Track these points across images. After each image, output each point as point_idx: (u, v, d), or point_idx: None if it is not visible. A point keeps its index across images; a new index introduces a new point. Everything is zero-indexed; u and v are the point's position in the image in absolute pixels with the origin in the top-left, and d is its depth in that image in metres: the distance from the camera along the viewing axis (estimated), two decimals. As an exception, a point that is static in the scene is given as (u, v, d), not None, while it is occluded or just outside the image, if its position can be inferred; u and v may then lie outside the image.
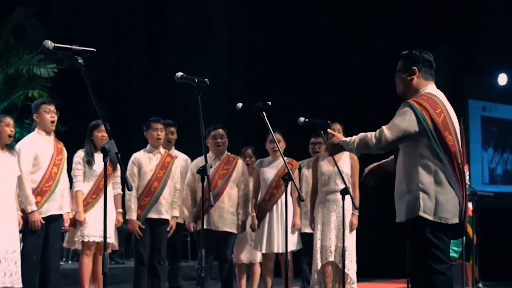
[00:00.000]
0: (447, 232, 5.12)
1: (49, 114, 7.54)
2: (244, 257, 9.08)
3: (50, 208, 7.45)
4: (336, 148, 5.48)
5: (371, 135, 5.12)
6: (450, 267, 5.14)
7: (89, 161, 7.94)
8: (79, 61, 4.42)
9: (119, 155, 4.71)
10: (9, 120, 7.29)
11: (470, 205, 11.49)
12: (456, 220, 5.09)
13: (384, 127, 5.09)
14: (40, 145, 7.49)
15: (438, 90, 5.35)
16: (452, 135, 5.13)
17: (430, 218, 5.02)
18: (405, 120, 5.07)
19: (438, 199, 5.04)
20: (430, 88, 5.33)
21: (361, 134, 5.20)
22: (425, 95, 5.24)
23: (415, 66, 5.33)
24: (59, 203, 7.52)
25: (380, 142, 5.08)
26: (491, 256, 12.49)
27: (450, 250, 11.56)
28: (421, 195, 5.05)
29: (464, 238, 11.15)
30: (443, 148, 5.07)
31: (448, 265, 5.10)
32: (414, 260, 5.17)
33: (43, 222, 7.33)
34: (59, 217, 7.55)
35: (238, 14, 15.37)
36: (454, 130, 5.18)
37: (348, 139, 5.28)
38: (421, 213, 5.03)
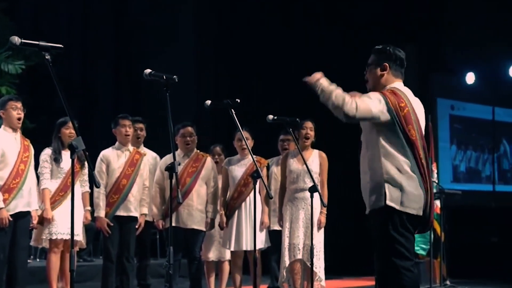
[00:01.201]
0: (411, 228, 5.13)
1: (16, 111, 7.48)
2: (213, 255, 9.08)
3: (18, 205, 7.39)
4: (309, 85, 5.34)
5: (348, 100, 5.00)
6: (416, 264, 5.17)
7: (56, 159, 7.88)
8: (47, 57, 4.39)
9: (87, 153, 4.68)
10: None
11: (438, 202, 11.59)
12: (420, 212, 5.12)
13: (358, 99, 5.04)
14: (6, 142, 7.43)
15: (405, 87, 5.38)
16: (415, 130, 5.15)
17: (397, 207, 5.04)
18: (376, 105, 5.06)
19: (403, 188, 5.06)
20: (397, 84, 5.36)
21: (339, 92, 5.07)
22: (390, 89, 5.27)
23: (386, 62, 5.37)
24: (26, 200, 7.47)
25: (349, 112, 4.99)
26: (458, 254, 12.59)
27: (418, 248, 11.72)
28: (386, 184, 5.07)
29: (432, 235, 11.25)
30: (406, 141, 5.10)
31: (413, 262, 5.12)
32: (379, 257, 5.18)
33: (11, 219, 7.27)
34: (27, 214, 7.49)
35: (206, 11, 15.35)
36: (418, 126, 5.20)
37: (326, 84, 5.15)
38: (388, 202, 5.04)
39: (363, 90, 5.43)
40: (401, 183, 5.06)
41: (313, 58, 13.68)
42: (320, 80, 5.21)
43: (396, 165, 5.09)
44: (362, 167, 5.32)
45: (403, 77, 5.45)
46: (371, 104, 5.06)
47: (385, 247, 5.11)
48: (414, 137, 5.12)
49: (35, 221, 7.61)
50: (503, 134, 16.93)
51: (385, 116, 5.07)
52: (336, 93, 5.08)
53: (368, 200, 5.23)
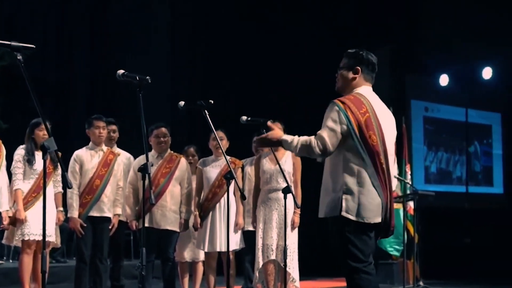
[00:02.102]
0: (368, 232, 5.18)
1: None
2: (187, 256, 9.07)
3: (-12, 205, 7.36)
4: (270, 143, 5.45)
5: (315, 143, 5.06)
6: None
7: (29, 160, 7.83)
8: (18, 57, 4.36)
9: (60, 153, 4.66)
10: None
11: (411, 204, 11.65)
12: (378, 219, 5.14)
13: (324, 135, 5.06)
14: (-23, 143, 7.40)
15: (373, 93, 5.40)
16: (376, 136, 5.16)
17: (353, 218, 5.08)
18: (337, 123, 5.09)
19: (360, 200, 5.09)
20: (363, 89, 5.38)
21: (304, 139, 5.14)
22: (353, 95, 5.29)
23: (359, 66, 5.38)
24: (-3, 201, 7.44)
25: (325, 152, 5.06)
26: (432, 255, 12.65)
27: (392, 249, 11.77)
28: (344, 196, 5.09)
29: (406, 236, 11.30)
30: (366, 148, 5.11)
31: (367, 263, 5.14)
32: (338, 259, 5.24)
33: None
34: (-3, 215, 7.47)
35: (181, 13, 15.35)
36: (380, 131, 5.20)
37: (289, 139, 5.21)
38: (343, 213, 5.08)
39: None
40: (359, 195, 5.10)
41: (287, 60, 13.73)
42: (283, 137, 5.26)
43: (355, 176, 5.12)
44: (324, 174, 5.36)
45: (373, 82, 5.47)
46: (335, 128, 5.10)
47: (340, 249, 5.17)
48: (375, 142, 5.13)
49: (5, 221, 7.57)
50: (475, 135, 17.05)
51: (344, 127, 5.10)
52: (301, 141, 5.14)
53: (324, 207, 5.26)
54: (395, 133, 5.47)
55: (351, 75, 5.39)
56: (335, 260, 5.25)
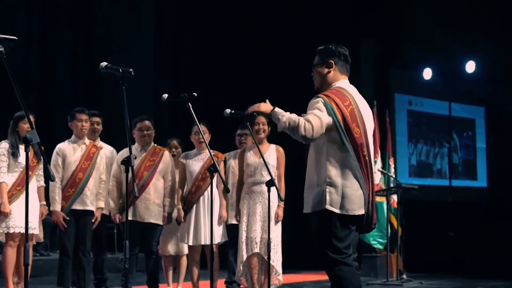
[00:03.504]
0: (350, 225, 5.21)
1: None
2: (171, 249, 9.06)
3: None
4: (261, 113, 5.48)
5: (303, 124, 5.07)
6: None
7: (14, 153, 7.78)
8: (0, 49, 4.34)
9: (42, 147, 4.65)
10: None
11: (395, 197, 11.68)
12: (362, 211, 5.19)
13: (311, 120, 5.08)
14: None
15: (351, 85, 5.46)
16: (360, 128, 5.21)
17: (337, 211, 5.12)
18: (323, 113, 5.12)
19: (344, 192, 5.14)
20: (342, 82, 5.43)
21: (292, 117, 5.15)
22: (334, 89, 5.34)
23: (331, 59, 5.43)
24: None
25: (309, 136, 5.07)
26: (415, 248, 12.70)
27: (375, 242, 11.80)
28: (328, 189, 5.13)
29: (389, 229, 11.34)
30: (350, 141, 5.16)
31: (347, 255, 5.18)
32: (318, 251, 5.26)
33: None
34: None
35: (165, 6, 15.31)
36: (363, 123, 5.25)
37: (278, 112, 5.25)
38: (328, 206, 5.12)
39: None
40: (342, 187, 5.15)
41: (270, 52, 13.73)
42: (275, 109, 5.31)
43: (339, 168, 5.16)
44: (308, 167, 5.39)
45: (349, 74, 5.51)
46: (322, 117, 5.12)
47: (321, 240, 5.21)
48: (358, 134, 5.18)
49: (-10, 214, 7.55)
50: (455, 129, 17.09)
51: (328, 119, 5.11)
52: (291, 118, 5.15)
53: (309, 202, 5.29)
54: (373, 125, 5.51)
55: (325, 70, 5.44)
56: (317, 252, 5.27)
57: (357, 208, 5.16)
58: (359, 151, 5.17)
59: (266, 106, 5.40)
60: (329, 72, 5.42)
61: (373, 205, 5.29)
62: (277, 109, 5.31)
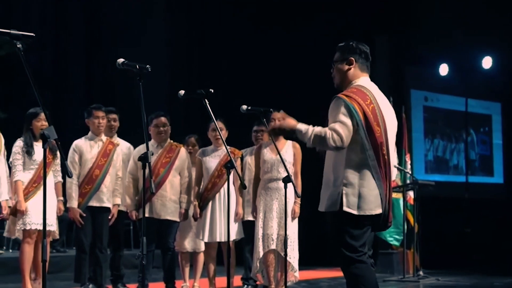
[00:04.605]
0: (366, 223, 5.18)
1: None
2: (188, 246, 9.06)
3: (-14, 195, 7.34)
4: (283, 132, 5.41)
5: (329, 135, 5.01)
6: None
7: (28, 151, 7.78)
8: (18, 46, 4.35)
9: (59, 142, 4.64)
10: None
11: (411, 193, 11.64)
12: (379, 210, 5.15)
13: (338, 128, 5.02)
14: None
15: (371, 83, 5.38)
16: (380, 127, 5.15)
17: (355, 212, 5.08)
18: (347, 117, 5.05)
19: (361, 192, 5.09)
20: (362, 80, 5.35)
21: (318, 130, 5.08)
22: (354, 87, 5.26)
23: (352, 57, 5.35)
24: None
25: (339, 145, 5.00)
26: (432, 244, 12.65)
27: (392, 239, 11.76)
28: (344, 190, 5.08)
29: (406, 226, 11.30)
30: (370, 140, 5.10)
31: (362, 253, 5.15)
32: (335, 249, 5.24)
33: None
34: (-4, 204, 7.45)
35: (178, 1, 15.30)
36: (383, 121, 5.19)
37: (303, 129, 5.15)
38: (345, 208, 5.07)
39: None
40: (359, 187, 5.10)
41: (287, 48, 13.69)
42: (297, 126, 5.20)
43: (357, 168, 5.11)
44: (326, 165, 5.34)
45: (369, 71, 5.45)
46: (347, 121, 5.05)
47: (337, 240, 5.18)
48: (378, 133, 5.12)
49: (4, 211, 7.55)
50: (472, 125, 17.01)
51: (354, 121, 5.07)
52: (316, 132, 5.08)
53: (324, 202, 5.25)
54: (396, 123, 5.44)
55: (346, 67, 5.36)
56: (331, 250, 5.26)
57: (374, 208, 5.12)
58: (379, 150, 5.11)
59: (288, 123, 5.27)
60: (349, 69, 5.35)
61: (390, 203, 5.25)
62: (300, 126, 5.19)
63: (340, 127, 5.03)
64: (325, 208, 5.23)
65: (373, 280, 5.25)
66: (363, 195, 5.09)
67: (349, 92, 5.20)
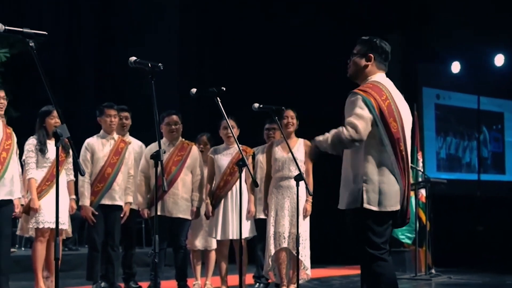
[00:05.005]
0: (387, 219, 5.16)
1: (-2, 100, 7.45)
2: (199, 244, 9.07)
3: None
4: (315, 152, 5.35)
5: (343, 129, 5.01)
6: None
7: (41, 149, 7.79)
8: (30, 44, 4.36)
9: (71, 141, 4.65)
10: None
11: (423, 191, 11.62)
12: (398, 207, 5.14)
13: (353, 120, 5.00)
14: (-13, 131, 7.40)
15: (387, 79, 5.35)
16: (397, 122, 5.13)
17: (375, 209, 5.06)
18: (364, 109, 5.03)
19: (381, 189, 5.07)
20: (378, 76, 5.32)
21: (332, 131, 5.10)
22: (370, 83, 5.24)
23: (372, 53, 5.31)
24: (8, 188, 7.41)
25: (356, 137, 4.97)
26: (444, 242, 12.62)
27: (404, 237, 11.74)
28: (365, 187, 5.06)
29: (417, 224, 11.28)
30: (388, 135, 5.08)
31: (385, 251, 5.15)
32: (355, 246, 5.22)
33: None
34: (9, 203, 7.44)
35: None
36: (400, 117, 5.17)
37: (320, 138, 5.17)
38: (366, 205, 5.06)
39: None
40: (379, 184, 5.08)
41: (298, 46, 13.67)
42: (316, 140, 5.22)
43: (376, 164, 5.09)
44: (344, 162, 5.32)
45: (386, 70, 5.41)
46: (364, 114, 5.03)
47: (359, 236, 5.16)
48: (395, 129, 5.10)
49: (17, 209, 7.57)
50: (485, 122, 16.96)
51: (370, 116, 5.05)
52: (329, 135, 5.10)
53: (344, 199, 5.23)
54: (411, 119, 5.41)
55: (363, 62, 5.33)
56: (348, 248, 5.24)
57: (394, 204, 5.11)
58: (396, 146, 5.09)
59: (310, 147, 5.33)
60: (366, 65, 5.31)
61: (408, 200, 5.23)
62: (317, 138, 5.22)
63: (356, 119, 5.01)
64: (346, 205, 5.21)
65: (394, 278, 5.24)
66: (383, 191, 5.07)
67: (365, 87, 5.18)
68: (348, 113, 5.11)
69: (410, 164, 5.29)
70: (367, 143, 5.07)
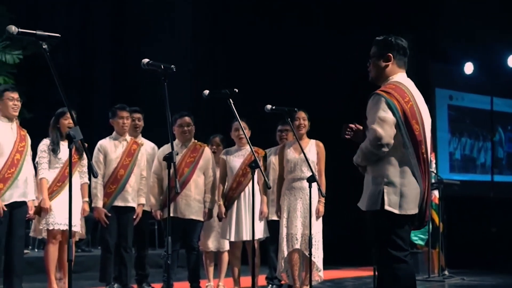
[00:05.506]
0: (406, 221, 5.13)
1: (12, 101, 7.46)
2: (212, 245, 9.07)
3: (13, 195, 7.36)
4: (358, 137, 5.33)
5: (368, 143, 5.01)
6: (415, 254, 5.17)
7: (54, 149, 7.82)
8: (44, 46, 4.37)
9: (85, 144, 4.66)
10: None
11: (436, 193, 11.58)
12: (416, 210, 5.10)
13: (375, 127, 4.98)
14: (2, 132, 7.40)
15: (408, 79, 5.30)
16: (419, 124, 5.09)
17: (396, 211, 5.02)
18: (387, 112, 4.99)
19: (402, 191, 5.04)
20: (400, 76, 5.28)
21: (362, 146, 5.10)
22: (392, 83, 5.19)
23: (390, 53, 5.27)
24: (22, 190, 7.44)
25: (380, 143, 4.95)
26: (457, 244, 12.58)
27: (417, 238, 11.72)
28: (386, 189, 5.03)
29: (430, 225, 11.25)
30: (410, 138, 5.05)
31: (407, 252, 5.12)
32: (376, 248, 5.19)
33: (6, 209, 7.25)
34: (22, 204, 7.47)
35: (203, 1, 15.31)
36: (421, 119, 5.13)
37: (355, 157, 5.21)
38: (386, 207, 5.02)
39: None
40: (401, 187, 5.04)
41: (311, 47, 13.66)
42: (354, 161, 5.26)
43: (398, 167, 5.05)
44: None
45: (406, 67, 5.37)
46: (387, 117, 5.00)
47: (382, 238, 5.12)
48: (417, 131, 5.06)
49: (31, 211, 7.59)
50: (500, 123, 16.90)
51: (393, 118, 5.01)
52: (361, 150, 5.12)
53: (365, 200, 5.20)
54: (430, 120, 5.35)
55: (383, 63, 5.29)
56: (362, 249, 5.23)
57: (413, 207, 5.08)
58: (418, 148, 5.06)
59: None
60: (386, 66, 5.27)
61: (428, 202, 5.18)
62: (354, 160, 5.25)
63: (378, 126, 4.98)
64: (366, 207, 5.18)
65: (414, 280, 5.21)
66: (404, 193, 5.04)
67: (387, 88, 5.14)
68: (371, 116, 5.08)
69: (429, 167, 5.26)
70: (390, 148, 5.05)
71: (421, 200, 5.11)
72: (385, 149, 5.01)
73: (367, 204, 5.17)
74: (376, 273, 5.59)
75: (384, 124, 4.98)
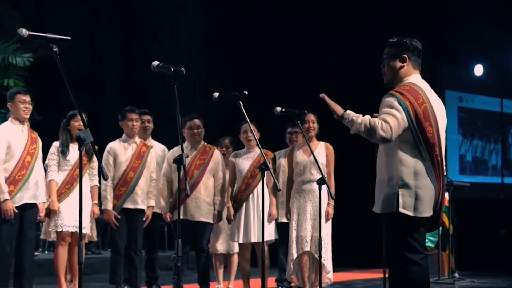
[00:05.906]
0: (421, 224, 5.10)
1: (24, 104, 7.47)
2: (221, 247, 9.08)
3: (24, 197, 7.38)
4: (332, 111, 5.31)
5: (379, 123, 4.95)
6: (426, 257, 5.14)
7: (63, 151, 7.86)
8: (54, 49, 4.37)
9: (96, 147, 4.67)
10: None
11: (446, 195, 11.54)
12: (431, 213, 5.09)
13: (389, 120, 4.96)
14: (13, 134, 7.43)
15: (423, 80, 5.29)
16: (432, 127, 5.07)
17: (411, 214, 5.01)
18: (400, 112, 4.99)
19: (417, 194, 5.02)
20: (414, 78, 5.26)
21: (368, 119, 5.04)
22: (407, 85, 5.17)
23: (405, 54, 5.26)
24: (32, 192, 7.46)
25: (387, 137, 4.95)
26: (467, 246, 12.56)
27: (427, 240, 11.66)
28: (401, 191, 5.02)
29: (441, 228, 11.22)
30: (423, 140, 5.03)
31: (423, 255, 5.10)
32: (390, 250, 5.17)
33: (16, 211, 7.27)
34: (33, 206, 7.49)
35: (213, 2, 15.32)
36: (435, 121, 5.11)
37: (351, 116, 5.13)
38: (401, 209, 5.00)
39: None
40: (416, 189, 5.02)
41: (321, 50, 13.65)
42: (347, 111, 5.19)
43: (412, 169, 5.03)
44: (378, 164, 5.27)
45: (420, 68, 5.35)
46: (398, 116, 4.99)
47: (397, 241, 5.10)
48: (431, 134, 5.04)
49: (42, 213, 7.61)
50: (511, 125, 16.87)
51: (405, 119, 5.01)
52: (366, 120, 5.04)
53: (379, 203, 5.18)
54: (445, 122, 5.33)
55: (398, 64, 5.27)
56: (375, 252, 5.22)
57: (428, 210, 5.06)
58: (432, 151, 5.04)
59: (338, 107, 5.25)
60: (402, 67, 5.25)
61: (442, 205, 5.16)
62: (349, 112, 5.17)
63: (391, 119, 4.96)
64: (380, 209, 5.17)
65: (428, 283, 5.21)
66: (419, 196, 5.03)
67: (401, 89, 5.13)
68: (382, 111, 5.08)
69: (444, 169, 5.24)
70: (401, 147, 5.04)
71: (435, 203, 5.09)
72: (384, 143, 5.03)
73: (381, 206, 5.15)
74: (387, 275, 5.57)
75: (394, 119, 4.97)
